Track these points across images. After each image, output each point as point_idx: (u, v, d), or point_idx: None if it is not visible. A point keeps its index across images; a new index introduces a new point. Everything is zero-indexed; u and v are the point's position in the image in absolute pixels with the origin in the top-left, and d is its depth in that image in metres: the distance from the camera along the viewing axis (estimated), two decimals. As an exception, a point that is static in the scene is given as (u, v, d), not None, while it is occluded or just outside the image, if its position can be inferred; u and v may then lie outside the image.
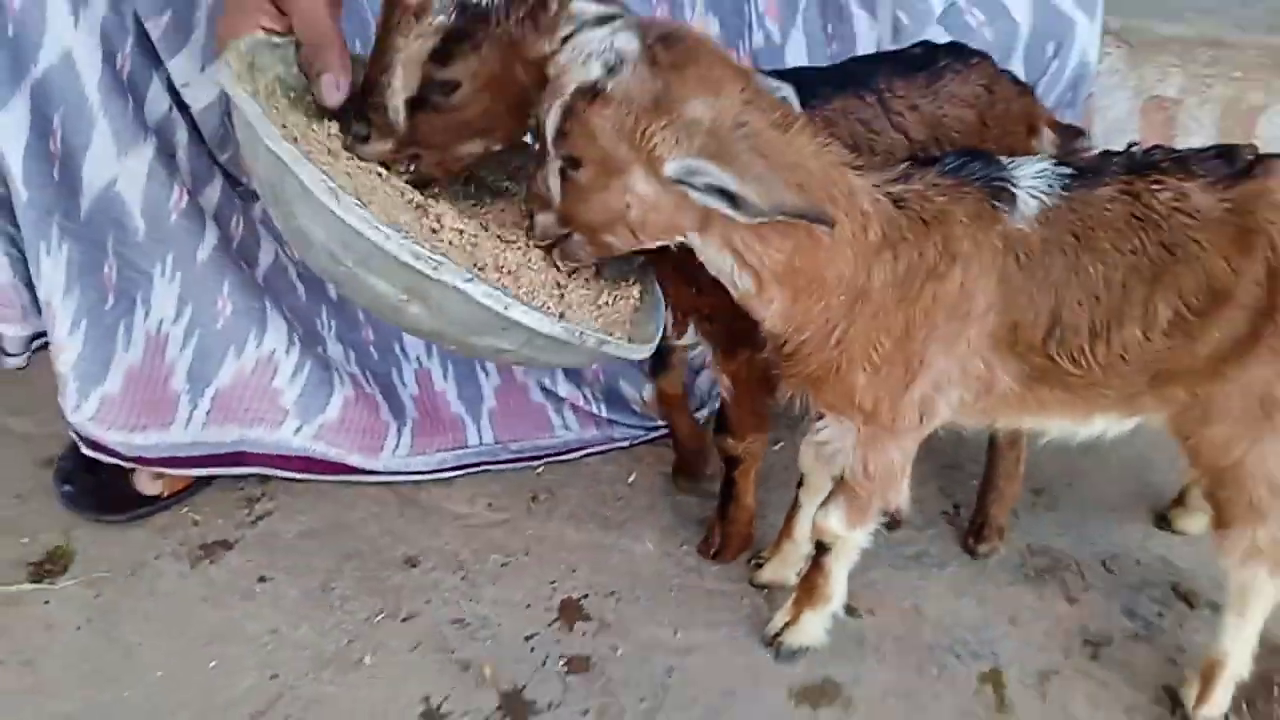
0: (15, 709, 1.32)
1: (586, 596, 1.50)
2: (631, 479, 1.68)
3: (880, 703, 1.38)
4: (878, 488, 1.22)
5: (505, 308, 0.98)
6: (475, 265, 1.02)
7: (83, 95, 1.26)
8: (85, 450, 1.46)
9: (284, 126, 1.01)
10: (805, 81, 1.22)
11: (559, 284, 1.09)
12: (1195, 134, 1.71)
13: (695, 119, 0.99)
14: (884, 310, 1.09)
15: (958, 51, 1.33)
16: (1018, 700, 1.39)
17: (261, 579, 1.49)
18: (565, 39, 1.02)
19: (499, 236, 1.09)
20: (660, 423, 1.65)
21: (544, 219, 1.06)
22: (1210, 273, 1.09)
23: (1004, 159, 1.13)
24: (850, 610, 1.49)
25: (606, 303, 1.12)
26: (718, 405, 1.48)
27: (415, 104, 1.08)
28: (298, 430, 1.51)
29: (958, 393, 1.16)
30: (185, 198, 1.35)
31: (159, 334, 1.40)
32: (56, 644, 1.39)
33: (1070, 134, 1.35)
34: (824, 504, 1.29)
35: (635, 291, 1.17)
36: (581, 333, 1.04)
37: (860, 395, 1.14)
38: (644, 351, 1.13)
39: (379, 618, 1.45)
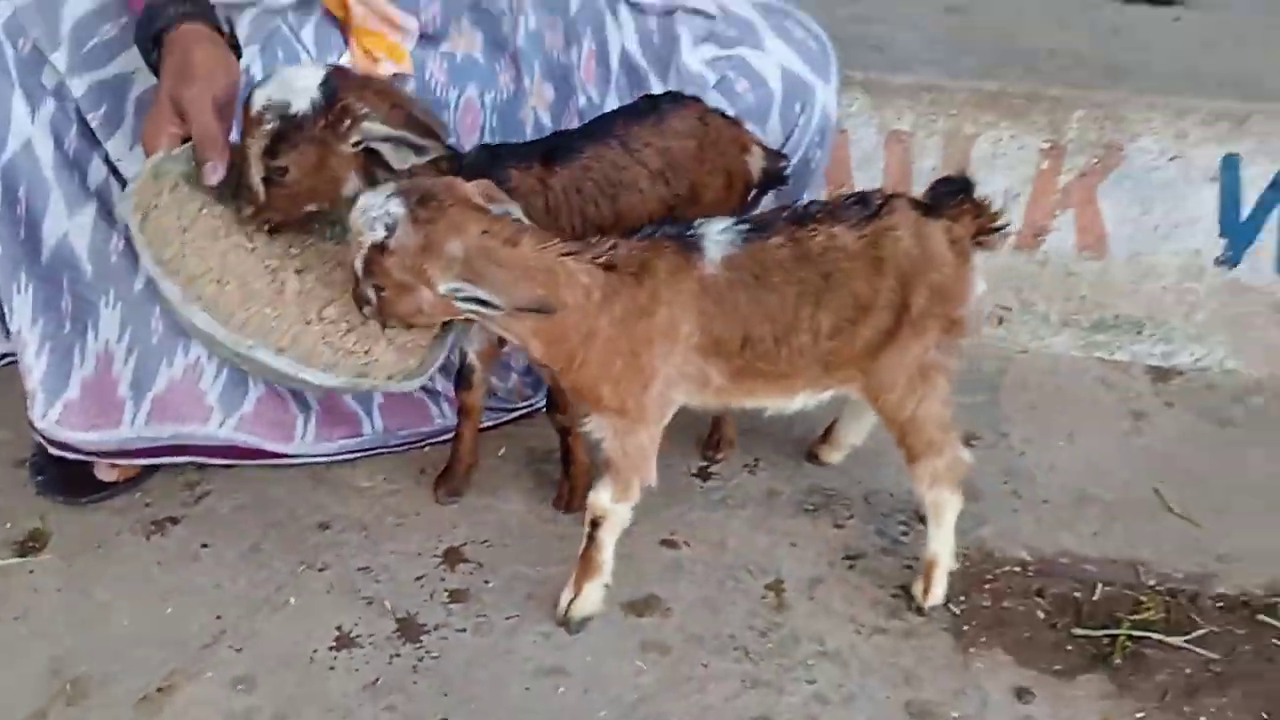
0: (15, 653, 1.68)
1: (466, 545, 1.90)
2: (501, 452, 2.08)
3: (690, 610, 1.81)
4: (633, 466, 1.64)
5: (297, 372, 1.45)
6: (304, 320, 1.47)
7: (40, 173, 1.64)
8: (51, 450, 1.83)
9: (179, 216, 1.47)
10: (565, 140, 1.70)
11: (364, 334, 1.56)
12: (927, 158, 2.17)
13: (451, 254, 1.43)
14: (613, 342, 1.52)
15: (675, 98, 1.78)
16: (793, 601, 1.84)
17: (204, 545, 1.87)
18: (355, 203, 1.46)
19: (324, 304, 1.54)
20: (519, 405, 2.08)
21: (369, 312, 1.51)
22: (855, 292, 1.55)
23: (695, 222, 1.57)
24: (670, 543, 1.93)
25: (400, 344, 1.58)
26: (546, 391, 1.91)
27: (266, 183, 1.51)
28: (221, 424, 1.89)
29: (684, 388, 1.60)
30: (121, 244, 1.73)
31: (106, 352, 1.77)
32: (43, 603, 1.75)
33: (774, 156, 1.82)
34: (596, 483, 1.68)
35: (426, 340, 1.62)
36: (358, 384, 1.51)
37: (608, 400, 1.57)
38: (412, 385, 1.59)
39: (300, 569, 1.83)
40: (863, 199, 1.59)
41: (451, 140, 1.75)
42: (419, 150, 1.52)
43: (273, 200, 1.54)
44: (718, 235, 1.55)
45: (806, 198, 1.97)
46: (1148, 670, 1.75)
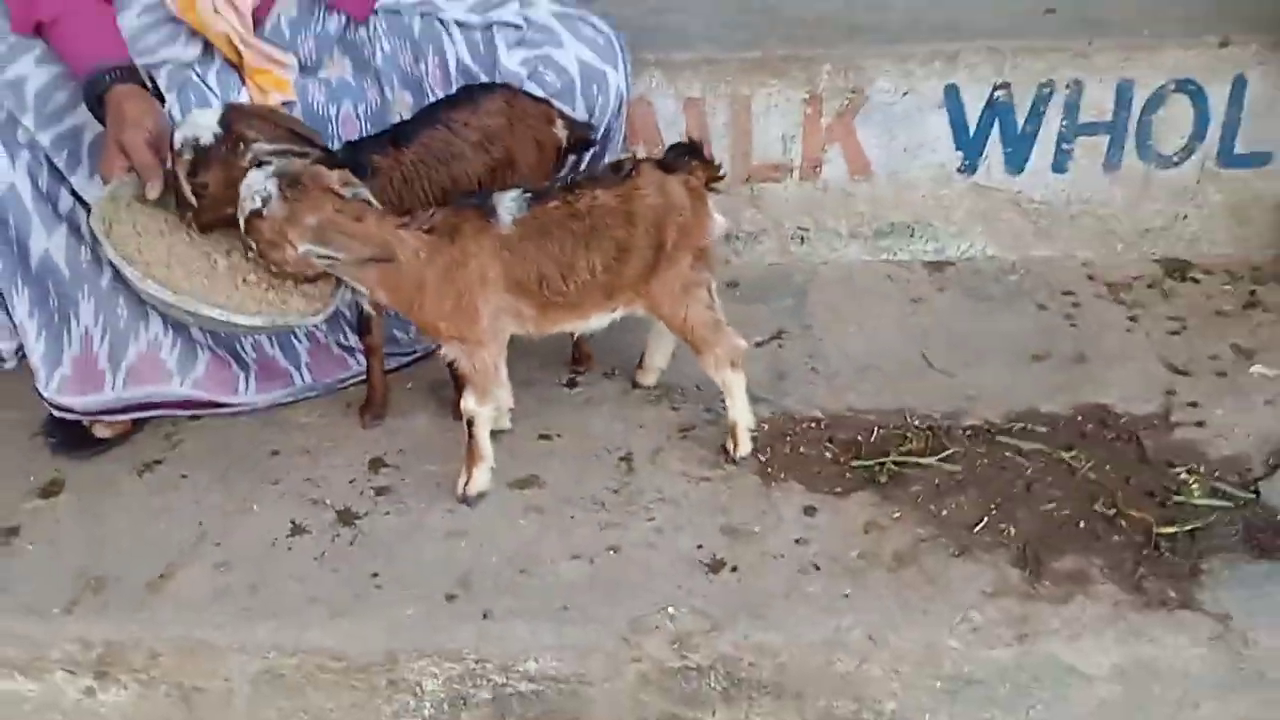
0: (49, 566, 2.21)
1: (386, 453, 2.43)
2: (409, 385, 2.62)
3: (560, 481, 2.34)
4: (484, 377, 2.17)
5: (230, 318, 2.02)
6: (234, 285, 2.04)
7: (23, 205, 2.19)
8: (55, 413, 2.38)
9: (135, 225, 2.05)
10: (404, 129, 2.26)
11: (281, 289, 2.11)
12: (719, 116, 2.72)
13: (307, 224, 1.97)
14: (439, 288, 2.07)
15: (486, 86, 2.34)
16: (639, 467, 2.37)
17: (183, 475, 2.40)
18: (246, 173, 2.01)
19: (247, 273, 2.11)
20: (416, 349, 2.65)
21: (251, 256, 2.06)
22: (616, 238, 2.10)
23: (492, 194, 2.11)
24: (545, 436, 2.49)
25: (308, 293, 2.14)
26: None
27: (196, 195, 2.07)
28: (180, 383, 2.43)
29: (509, 319, 2.15)
30: (88, 253, 2.28)
31: (87, 334, 2.32)
32: (66, 529, 2.29)
33: (581, 126, 2.38)
34: (463, 395, 2.18)
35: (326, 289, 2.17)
36: (276, 322, 2.08)
37: (446, 331, 2.12)
38: (318, 319, 2.15)
39: (259, 485, 2.36)
40: (617, 166, 2.15)
41: (332, 145, 2.31)
42: (302, 156, 2.07)
43: (202, 207, 2.10)
44: (509, 202, 2.10)
45: (609, 158, 2.53)
46: (906, 484, 2.31)
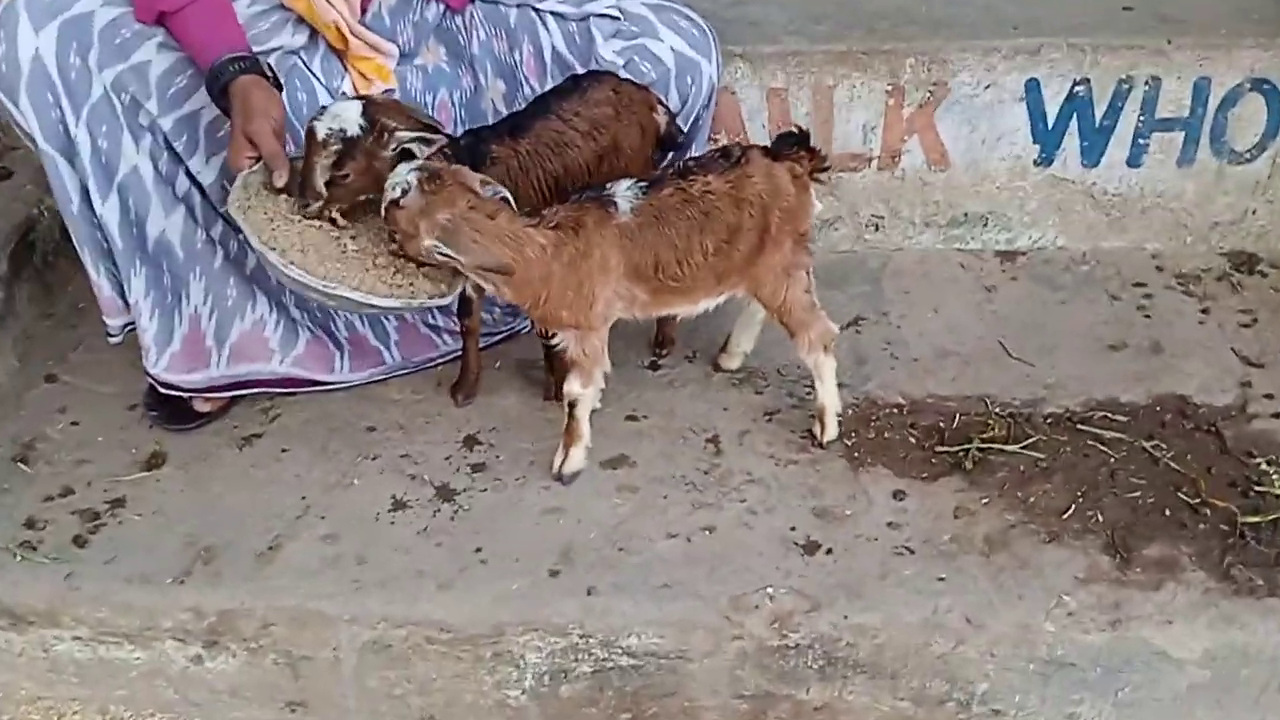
0: (159, 536, 2.27)
1: (479, 431, 2.50)
2: (498, 365, 2.66)
3: (650, 461, 2.41)
4: (592, 361, 2.22)
5: (367, 299, 2.07)
6: (364, 269, 2.10)
7: (144, 188, 2.24)
8: (160, 390, 2.44)
9: (265, 211, 2.10)
10: (519, 120, 2.31)
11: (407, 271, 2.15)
12: (801, 106, 2.76)
13: (438, 220, 2.01)
14: (564, 280, 2.11)
15: (592, 75, 2.38)
16: (727, 448, 2.44)
17: (284, 449, 2.47)
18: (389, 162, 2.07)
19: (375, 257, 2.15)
20: (504, 329, 2.70)
21: (393, 247, 2.10)
22: (727, 223, 2.16)
23: (609, 185, 2.15)
24: (632, 417, 2.54)
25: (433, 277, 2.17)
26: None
27: (328, 184, 2.11)
28: (281, 361, 2.49)
29: (620, 305, 2.20)
30: (204, 234, 2.34)
31: (195, 314, 2.38)
32: (171, 501, 2.35)
33: (671, 120, 2.42)
34: (566, 377, 2.23)
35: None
36: (410, 304, 2.12)
37: (566, 320, 2.17)
38: (445, 302, 2.19)
39: (358, 460, 2.43)
40: (726, 153, 2.20)
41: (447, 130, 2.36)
42: (432, 142, 2.12)
43: (334, 196, 2.14)
44: (625, 192, 2.15)
45: (696, 148, 2.58)
46: (992, 470, 2.38)
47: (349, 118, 2.10)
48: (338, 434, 2.52)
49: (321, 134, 2.09)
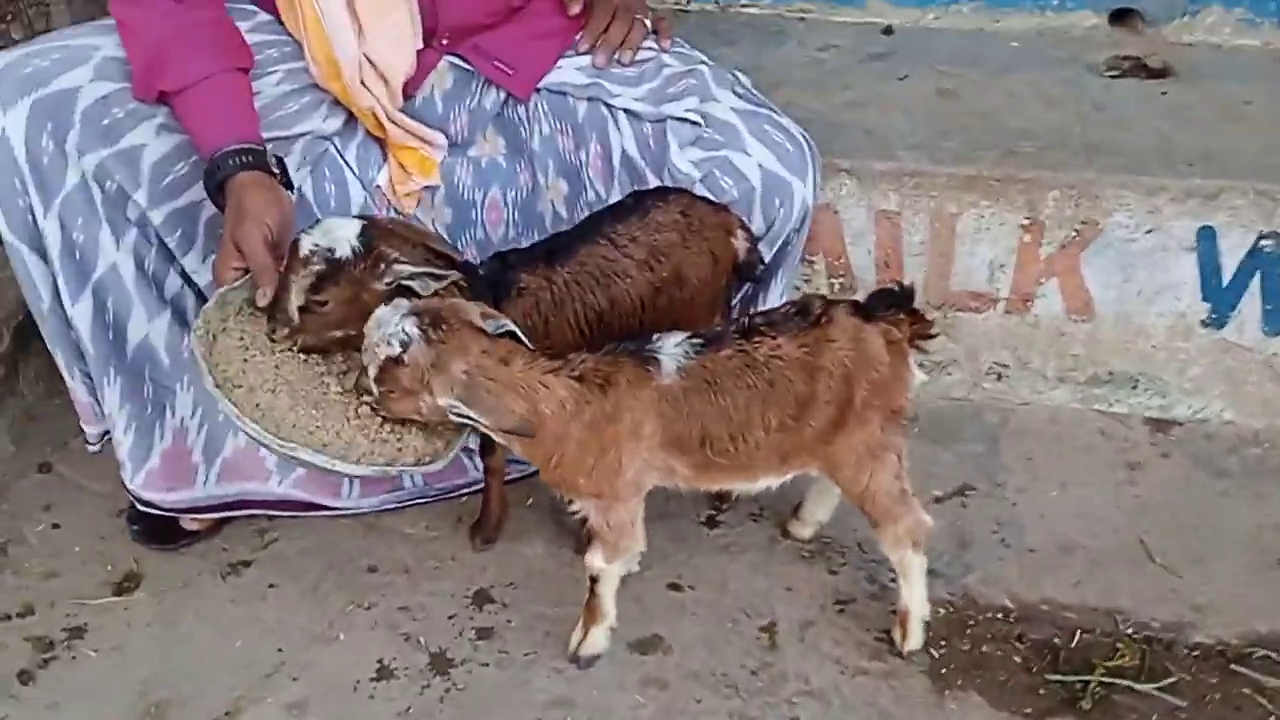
0: (111, 678, 1.98)
1: (494, 586, 2.13)
2: (529, 502, 2.30)
3: (689, 649, 2.01)
4: (616, 536, 1.85)
5: (333, 466, 1.70)
6: (345, 417, 1.73)
7: (124, 288, 1.96)
8: (139, 506, 2.15)
9: (242, 337, 1.79)
10: (561, 242, 1.95)
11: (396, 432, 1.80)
12: (916, 234, 2.33)
13: (454, 375, 1.65)
14: (585, 444, 1.73)
15: (661, 192, 2.00)
16: (784, 642, 2.02)
17: (271, 585, 2.15)
18: (371, 318, 1.69)
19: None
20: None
21: (367, 400, 1.74)
22: (796, 394, 1.75)
23: (655, 339, 1.77)
24: (675, 586, 2.14)
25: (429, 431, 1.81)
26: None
27: (303, 310, 1.78)
28: (280, 482, 2.17)
29: (656, 475, 1.81)
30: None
31: (182, 427, 2.09)
32: (135, 636, 2.05)
33: (752, 237, 2.03)
34: (587, 548, 1.89)
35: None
36: (388, 470, 1.77)
37: (585, 489, 1.79)
38: (436, 467, 1.81)
39: (349, 608, 2.09)
40: (804, 309, 1.79)
41: (475, 243, 2.02)
42: (439, 278, 1.78)
43: (305, 325, 1.81)
44: (672, 349, 1.76)
45: (784, 278, 2.18)
46: (1116, 715, 1.89)
47: (341, 236, 1.77)
48: (334, 572, 2.18)
49: (305, 249, 1.76)
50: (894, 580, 2.05)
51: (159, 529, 2.20)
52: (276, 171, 1.85)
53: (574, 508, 1.88)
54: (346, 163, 2.10)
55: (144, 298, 1.97)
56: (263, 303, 1.78)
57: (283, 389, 1.76)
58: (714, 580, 2.15)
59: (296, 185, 1.97)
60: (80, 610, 2.11)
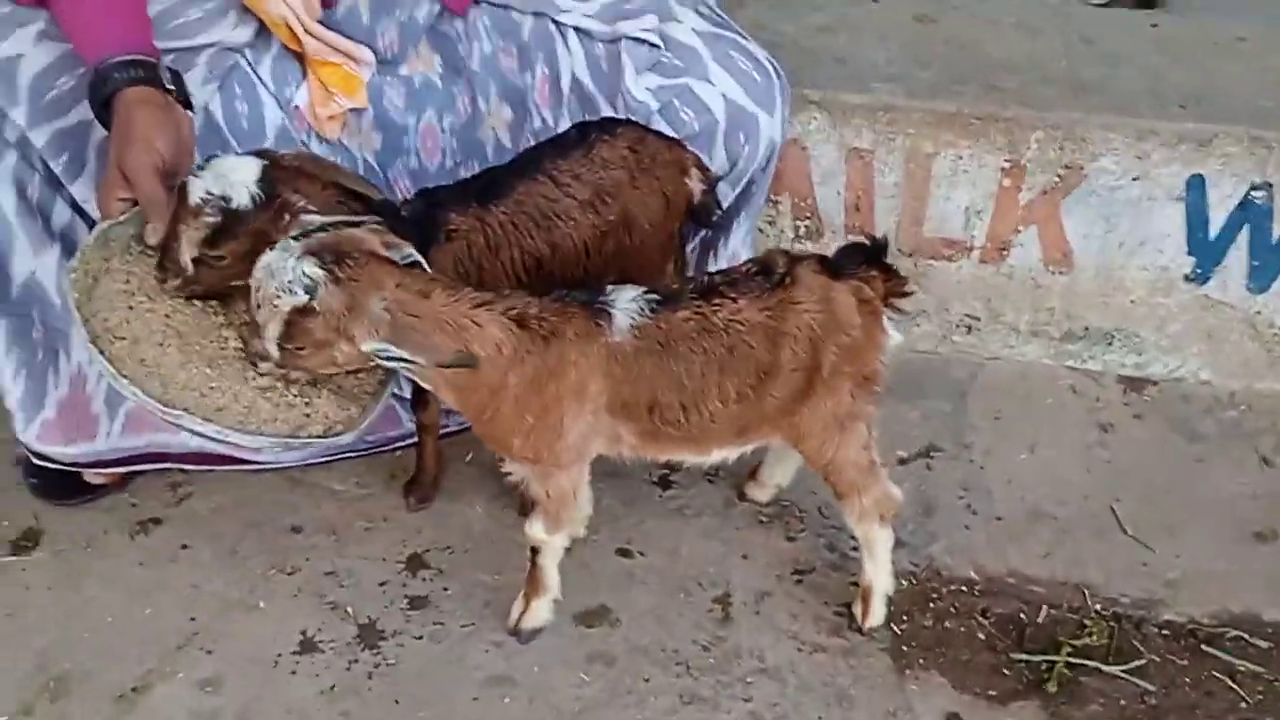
0: (7, 645, 1.80)
1: (429, 550, 1.98)
2: (469, 458, 2.14)
3: (637, 621, 1.88)
4: (557, 506, 1.69)
5: (225, 436, 1.52)
6: (244, 376, 1.56)
7: (5, 221, 1.73)
8: (34, 460, 1.95)
9: (127, 280, 1.57)
10: (495, 180, 1.75)
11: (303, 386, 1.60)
12: (889, 174, 2.17)
13: (375, 314, 1.45)
14: (521, 398, 1.56)
15: (607, 126, 1.82)
16: (738, 615, 1.90)
17: (183, 546, 1.98)
18: (260, 265, 1.46)
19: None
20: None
21: (267, 365, 1.54)
22: (757, 362, 1.59)
23: (607, 290, 1.59)
24: (625, 552, 2.01)
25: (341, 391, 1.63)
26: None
27: (196, 261, 1.58)
28: (191, 436, 2.00)
29: (598, 440, 1.65)
30: None
31: (79, 373, 1.87)
32: (34, 600, 1.88)
33: (710, 177, 1.86)
34: (530, 517, 1.74)
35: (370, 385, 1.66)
36: (290, 442, 1.58)
37: (519, 450, 1.63)
38: (348, 439, 1.62)
39: (271, 573, 1.93)
40: (766, 268, 1.61)
41: (409, 174, 1.81)
42: (353, 226, 1.57)
43: (200, 276, 1.60)
44: (626, 303, 1.58)
45: (746, 219, 2.00)
46: (1082, 699, 1.79)
47: (238, 180, 1.55)
48: (254, 532, 2.02)
49: (196, 197, 1.55)
50: (855, 549, 1.93)
51: (59, 483, 2.01)
52: (171, 87, 1.62)
53: (507, 469, 1.72)
54: (260, 79, 1.87)
55: (28, 230, 1.74)
56: (153, 240, 1.57)
57: (172, 342, 1.57)
58: (665, 546, 2.02)
59: (202, 103, 1.75)
60: (-29, 572, 1.93)
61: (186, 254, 1.56)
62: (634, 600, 1.92)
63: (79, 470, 1.99)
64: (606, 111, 1.92)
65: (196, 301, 1.62)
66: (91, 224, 1.77)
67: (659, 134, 1.86)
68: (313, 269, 1.45)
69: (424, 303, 1.50)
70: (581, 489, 1.73)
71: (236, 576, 1.94)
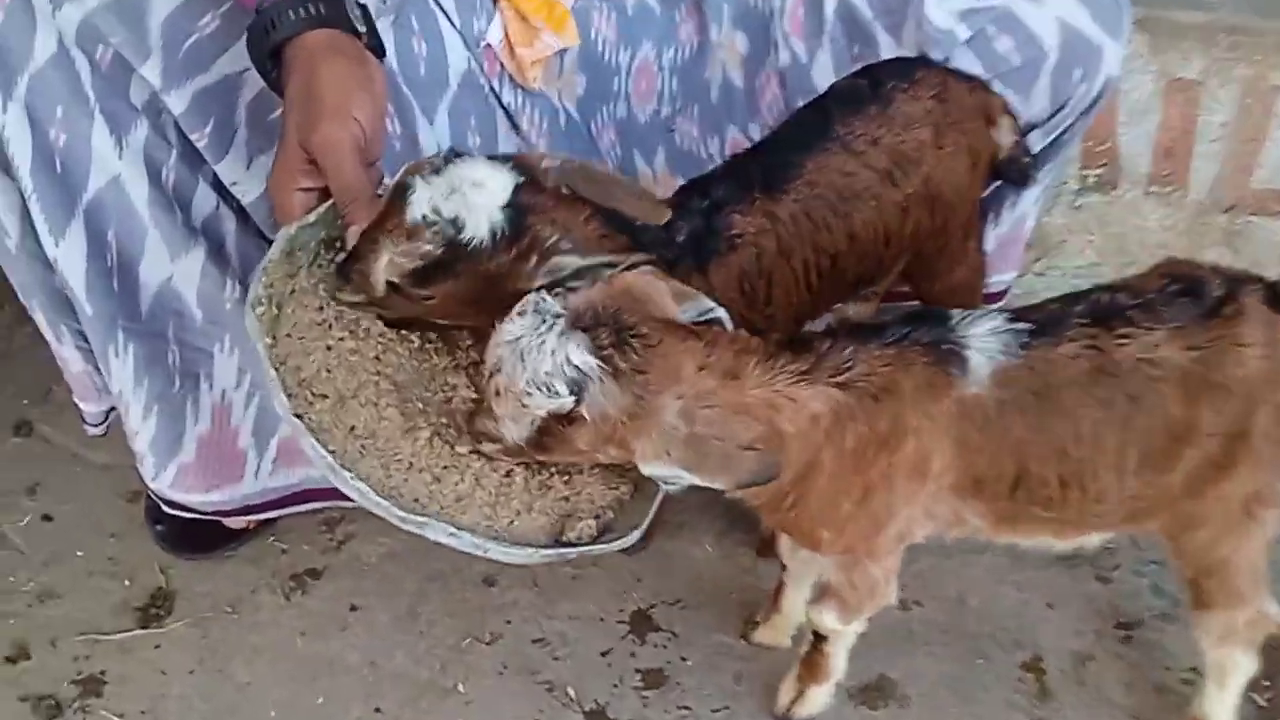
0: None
1: (654, 606, 1.60)
2: (688, 481, 1.76)
3: (932, 697, 1.50)
4: (863, 597, 1.29)
5: (485, 552, 1.08)
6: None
7: (132, 211, 1.29)
8: (166, 509, 1.55)
9: (321, 306, 1.15)
10: (773, 155, 1.33)
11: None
12: (1216, 113, 1.71)
13: (670, 426, 1.02)
14: (840, 479, 1.13)
15: (899, 67, 1.38)
16: (1057, 688, 1.51)
17: (353, 607, 1.60)
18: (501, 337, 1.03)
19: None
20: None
21: (490, 450, 1.12)
22: (1170, 420, 1.13)
23: (953, 315, 1.14)
24: (901, 604, 1.61)
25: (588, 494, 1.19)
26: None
27: (393, 287, 1.13)
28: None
29: (931, 526, 1.22)
30: (237, 288, 1.40)
31: (224, 402, 1.47)
32: (173, 689, 1.51)
33: (1019, 125, 1.43)
34: (816, 602, 1.32)
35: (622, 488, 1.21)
36: (564, 554, 1.13)
37: (827, 546, 1.21)
38: (628, 540, 1.16)
39: (465, 642, 1.56)
40: (1193, 288, 1.14)
41: (614, 124, 1.36)
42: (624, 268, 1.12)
43: (391, 303, 1.16)
44: (985, 340, 1.13)
45: (1048, 176, 1.53)
46: None
47: (480, 204, 1.10)
48: (437, 587, 1.63)
49: (417, 212, 1.09)
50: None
51: (192, 531, 1.62)
52: (362, 29, 1.16)
53: (804, 553, 1.29)
54: (441, 7, 1.40)
55: (163, 225, 1.31)
56: (353, 243, 1.14)
57: (389, 400, 1.14)
58: (948, 595, 1.62)
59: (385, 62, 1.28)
60: (94, 650, 1.55)
61: (382, 274, 1.12)
62: (920, 669, 1.53)
63: (218, 518, 1.58)
64: (886, 43, 1.46)
65: (412, 336, 1.18)
66: (240, 213, 1.33)
67: (960, 73, 1.40)
68: (584, 357, 1.01)
69: (729, 388, 1.06)
70: (894, 576, 1.30)
71: (424, 649, 1.56)
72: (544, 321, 1.02)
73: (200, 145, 1.27)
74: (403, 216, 1.08)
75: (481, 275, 1.11)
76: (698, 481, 1.05)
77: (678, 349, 1.04)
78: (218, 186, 1.33)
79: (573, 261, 1.10)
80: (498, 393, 1.04)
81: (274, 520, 1.66)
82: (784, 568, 1.46)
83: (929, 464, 1.16)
